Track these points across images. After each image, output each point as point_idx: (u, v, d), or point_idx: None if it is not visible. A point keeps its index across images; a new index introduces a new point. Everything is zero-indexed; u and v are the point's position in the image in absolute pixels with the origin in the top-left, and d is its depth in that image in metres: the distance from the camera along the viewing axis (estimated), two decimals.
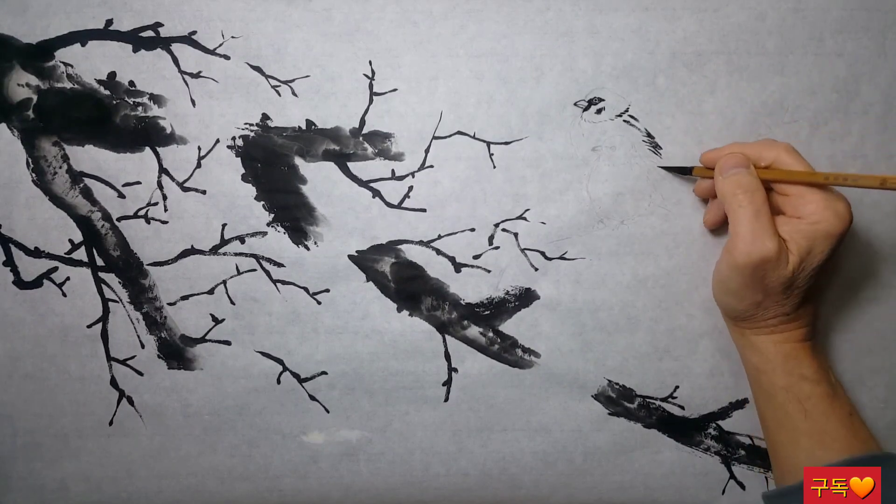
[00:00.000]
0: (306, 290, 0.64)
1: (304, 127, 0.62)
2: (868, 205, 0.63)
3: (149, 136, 0.62)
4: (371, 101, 0.62)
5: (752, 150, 0.55)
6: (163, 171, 0.62)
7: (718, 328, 0.65)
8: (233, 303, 0.64)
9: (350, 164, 0.63)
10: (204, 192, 0.63)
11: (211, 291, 0.64)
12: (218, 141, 0.62)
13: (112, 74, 0.61)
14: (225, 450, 0.66)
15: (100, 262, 0.64)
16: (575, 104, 0.62)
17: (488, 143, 0.62)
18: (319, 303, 0.64)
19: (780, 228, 0.53)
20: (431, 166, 0.62)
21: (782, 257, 0.52)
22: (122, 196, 0.63)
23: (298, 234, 0.63)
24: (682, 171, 0.62)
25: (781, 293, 0.54)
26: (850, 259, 0.64)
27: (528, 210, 0.63)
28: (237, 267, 0.64)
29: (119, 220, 0.63)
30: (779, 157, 0.54)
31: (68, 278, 0.64)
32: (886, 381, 0.65)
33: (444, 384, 0.66)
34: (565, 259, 0.64)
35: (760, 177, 0.54)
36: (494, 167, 0.62)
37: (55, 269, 0.64)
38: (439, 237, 0.63)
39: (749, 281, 0.54)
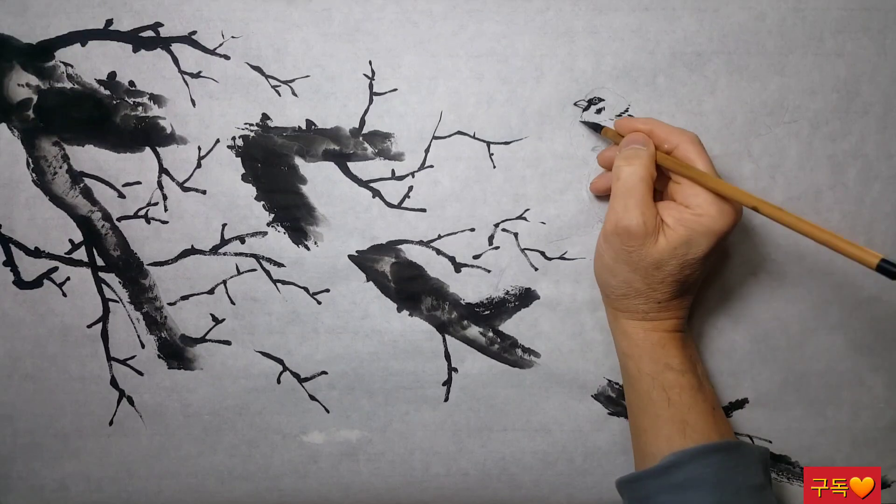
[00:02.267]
0: (306, 290, 0.64)
1: (304, 127, 0.62)
2: (868, 204, 0.63)
3: (149, 136, 0.62)
4: (371, 101, 0.62)
5: (661, 132, 0.56)
6: (163, 171, 0.62)
7: (717, 328, 0.65)
8: (233, 303, 0.64)
9: (350, 164, 0.63)
10: (204, 192, 0.63)
11: (211, 291, 0.64)
12: (218, 141, 0.62)
13: (112, 74, 0.61)
14: (225, 450, 0.66)
15: (100, 262, 0.64)
16: (575, 104, 0.62)
17: (488, 143, 0.62)
18: (319, 303, 0.64)
19: (667, 213, 0.54)
20: (431, 166, 0.62)
21: (650, 235, 0.53)
22: (122, 196, 0.63)
23: (298, 234, 0.63)
24: (595, 129, 0.61)
25: (651, 274, 0.54)
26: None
27: (528, 210, 0.63)
28: (237, 267, 0.64)
29: (119, 220, 0.63)
30: (682, 146, 0.54)
31: (68, 278, 0.64)
32: (886, 381, 0.65)
33: (444, 384, 0.66)
34: (565, 259, 0.64)
35: (658, 161, 0.55)
36: (494, 167, 0.62)
37: (55, 269, 0.64)
38: (439, 237, 0.63)
39: (617, 254, 0.55)
